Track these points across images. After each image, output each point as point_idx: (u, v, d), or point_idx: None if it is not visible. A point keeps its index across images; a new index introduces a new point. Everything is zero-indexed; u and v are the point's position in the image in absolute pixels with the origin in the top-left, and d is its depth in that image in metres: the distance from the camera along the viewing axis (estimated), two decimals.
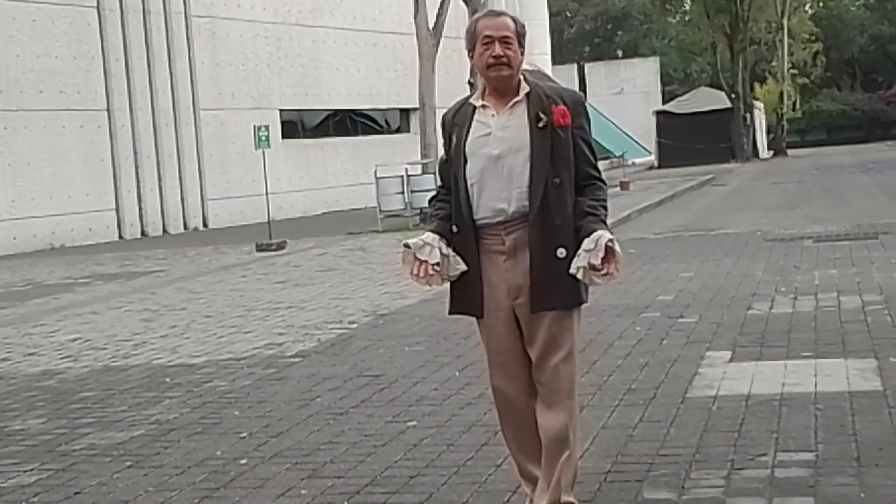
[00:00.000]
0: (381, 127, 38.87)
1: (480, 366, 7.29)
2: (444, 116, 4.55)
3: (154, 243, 26.15)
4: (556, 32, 68.05)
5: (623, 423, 5.98)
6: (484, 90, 4.42)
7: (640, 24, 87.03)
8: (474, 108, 4.39)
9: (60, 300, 14.65)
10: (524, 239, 4.29)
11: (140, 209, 29.66)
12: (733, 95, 55.62)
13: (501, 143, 4.28)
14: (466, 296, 4.42)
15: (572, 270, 4.20)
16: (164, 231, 30.13)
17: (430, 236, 4.37)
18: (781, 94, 62.36)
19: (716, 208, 23.55)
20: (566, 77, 55.17)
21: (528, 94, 4.30)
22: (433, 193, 4.65)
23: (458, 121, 4.42)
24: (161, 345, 10.04)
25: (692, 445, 5.45)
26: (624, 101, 62.92)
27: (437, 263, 4.33)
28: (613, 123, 58.30)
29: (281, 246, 20.27)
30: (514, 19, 4.34)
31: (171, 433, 6.57)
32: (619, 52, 79.00)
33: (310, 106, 35.60)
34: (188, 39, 31.21)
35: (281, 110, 34.15)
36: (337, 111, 36.77)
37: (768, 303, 9.83)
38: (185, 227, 30.84)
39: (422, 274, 4.32)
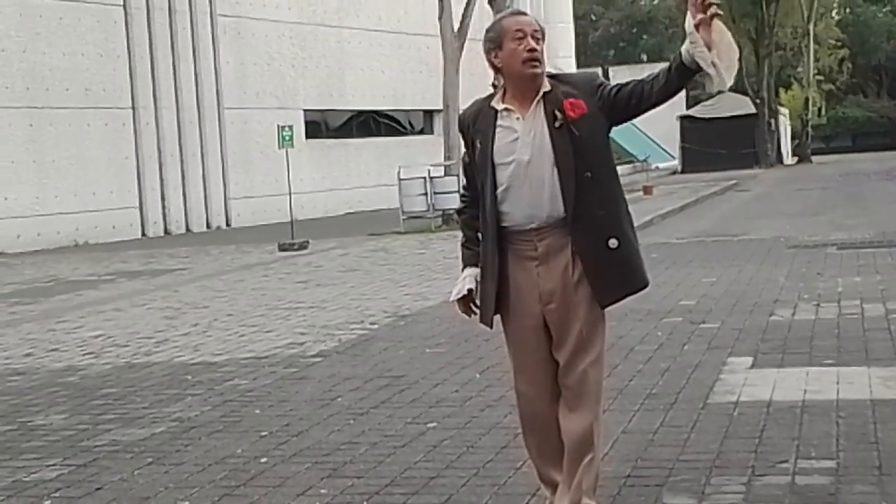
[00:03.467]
0: (405, 128, 38.91)
1: (502, 368, 7.30)
2: (461, 118, 4.45)
3: (177, 241, 26.26)
4: (580, 35, 68.04)
5: (643, 427, 5.96)
6: (504, 92, 4.31)
7: (665, 29, 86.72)
8: (496, 111, 4.29)
9: (84, 297, 14.72)
10: (558, 244, 4.24)
11: (163, 207, 29.78)
12: (758, 101, 55.40)
13: (530, 147, 4.20)
14: (484, 306, 4.44)
15: (686, 53, 4.01)
16: (188, 229, 30.25)
17: (468, 274, 4.46)
18: (807, 100, 62.07)
19: (739, 214, 23.47)
20: None
21: (546, 94, 4.22)
22: (460, 204, 4.60)
23: (480, 126, 4.32)
24: (183, 342, 10.08)
25: (713, 451, 5.43)
26: None
27: (471, 290, 4.45)
28: (637, 127, 58.20)
29: (303, 246, 20.32)
30: (535, 19, 4.28)
31: (192, 431, 6.60)
32: (644, 56, 78.82)
33: (334, 106, 35.68)
34: (213, 39, 31.33)
35: (305, 110, 34.24)
36: (361, 112, 36.83)
37: (791, 309, 9.79)
38: (208, 226, 30.96)
39: (472, 312, 4.51)
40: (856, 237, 16.13)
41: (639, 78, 4.25)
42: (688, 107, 54.97)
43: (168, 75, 29.98)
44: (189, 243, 24.92)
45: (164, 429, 6.69)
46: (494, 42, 4.25)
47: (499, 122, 4.27)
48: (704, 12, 3.98)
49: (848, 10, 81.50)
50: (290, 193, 22.28)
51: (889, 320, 8.91)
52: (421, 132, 39.16)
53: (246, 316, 11.62)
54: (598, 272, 4.24)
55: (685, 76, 4.08)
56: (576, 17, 56.89)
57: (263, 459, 5.83)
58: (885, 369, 7.05)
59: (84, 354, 9.78)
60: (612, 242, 4.22)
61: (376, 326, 10.31)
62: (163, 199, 29.77)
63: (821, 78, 65.16)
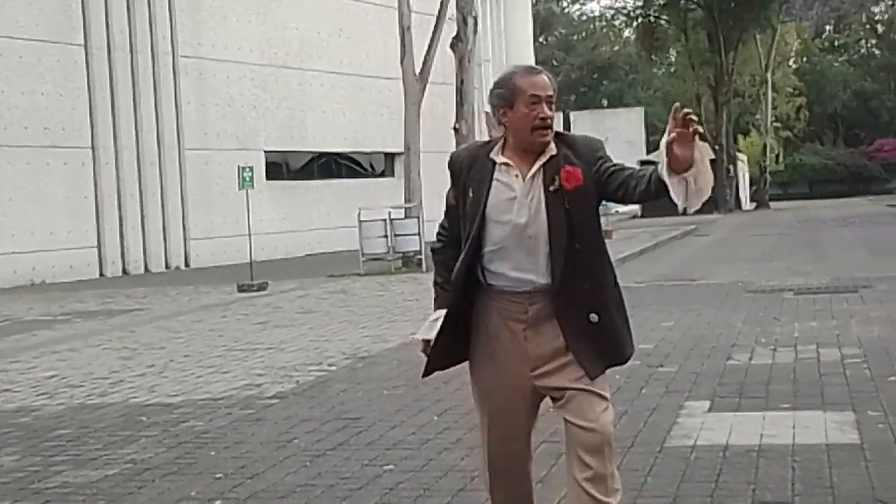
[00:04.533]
0: (366, 170, 38.96)
1: (459, 411, 7.28)
2: (454, 159, 4.23)
3: (135, 281, 26.07)
4: None
5: None
6: (504, 144, 4.11)
7: (625, 75, 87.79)
8: (494, 163, 4.09)
9: (38, 337, 14.56)
10: (548, 309, 4.08)
11: (122, 247, 29.58)
12: (717, 147, 55.93)
13: (527, 211, 4.03)
14: (436, 354, 4.22)
15: (663, 175, 3.85)
16: (146, 269, 30.04)
17: (440, 316, 4.20)
18: (765, 146, 62.83)
19: (698, 258, 23.60)
20: None
21: (551, 157, 4.04)
22: (438, 243, 4.36)
23: (475, 175, 4.11)
24: (138, 383, 9.98)
25: (669, 495, 5.43)
26: (609, 149, 62.56)
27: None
28: None
29: (262, 287, 20.23)
30: (549, 77, 4.09)
31: (146, 472, 6.52)
32: (605, 102, 79.46)
33: (295, 148, 35.67)
34: (175, 79, 31.27)
35: (266, 151, 34.20)
36: (322, 154, 36.86)
37: (748, 354, 9.83)
38: (167, 266, 30.76)
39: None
40: (812, 283, 16.26)
41: (631, 167, 4.14)
42: (648, 152, 55.42)
43: (128, 115, 29.86)
44: (147, 283, 24.75)
45: (118, 471, 6.61)
46: (505, 100, 4.05)
47: (496, 175, 4.08)
48: (686, 127, 3.79)
49: (805, 59, 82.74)
50: (249, 234, 22.19)
51: (844, 365, 8.97)
52: (382, 174, 39.21)
53: (203, 357, 11.53)
54: (578, 344, 4.07)
55: (660, 193, 3.98)
56: (537, 62, 57.27)
57: (218, 502, 5.77)
58: (840, 414, 7.09)
59: (37, 395, 9.66)
60: (593, 317, 4.08)
61: (334, 368, 10.26)
62: (121, 238, 29.57)
63: (778, 125, 66.02)
